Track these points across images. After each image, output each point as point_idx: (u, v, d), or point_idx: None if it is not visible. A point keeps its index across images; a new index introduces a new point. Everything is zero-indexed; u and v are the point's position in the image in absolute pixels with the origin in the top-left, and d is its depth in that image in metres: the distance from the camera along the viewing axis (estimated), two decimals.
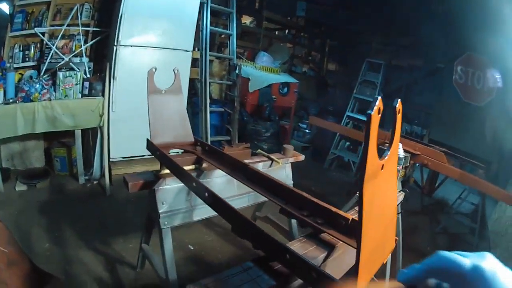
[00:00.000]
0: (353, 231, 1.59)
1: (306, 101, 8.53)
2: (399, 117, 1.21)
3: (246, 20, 8.82)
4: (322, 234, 1.84)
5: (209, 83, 5.38)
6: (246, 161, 2.64)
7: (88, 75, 4.71)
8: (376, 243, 1.28)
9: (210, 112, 5.39)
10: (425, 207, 5.74)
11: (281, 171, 3.16)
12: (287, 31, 9.50)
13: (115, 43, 4.43)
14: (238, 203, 2.68)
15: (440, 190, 6.04)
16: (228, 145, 2.74)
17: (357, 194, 2.55)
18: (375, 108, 1.00)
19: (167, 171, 2.15)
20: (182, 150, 2.42)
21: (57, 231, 3.61)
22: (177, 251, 3.47)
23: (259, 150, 3.08)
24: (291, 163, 3.24)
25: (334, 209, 1.68)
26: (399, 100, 1.11)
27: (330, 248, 1.82)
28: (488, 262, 0.66)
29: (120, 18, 4.37)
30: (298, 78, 7.63)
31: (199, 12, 5.11)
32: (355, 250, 1.62)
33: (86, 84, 4.56)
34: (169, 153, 2.19)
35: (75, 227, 3.72)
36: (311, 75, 9.33)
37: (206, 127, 5.32)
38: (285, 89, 7.02)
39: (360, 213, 1.08)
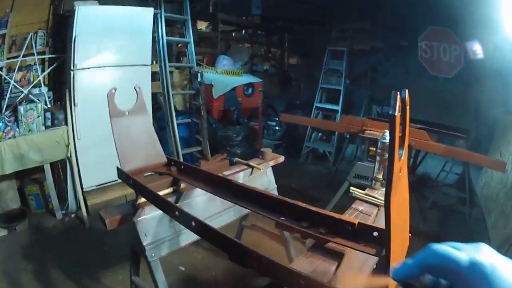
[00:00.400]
0: (360, 235, 1.48)
1: (271, 99, 8.41)
2: (407, 109, 1.07)
3: (202, 25, 8.60)
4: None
5: (172, 95, 5.14)
6: (226, 172, 2.51)
7: (49, 105, 4.48)
8: (398, 246, 1.21)
9: (177, 124, 5.16)
10: (409, 186, 5.67)
11: (263, 177, 3.03)
12: (244, 31, 9.32)
13: (72, 68, 4.19)
14: (224, 219, 2.52)
15: (421, 166, 6.01)
16: (203, 158, 2.55)
17: (351, 189, 2.42)
18: (397, 107, 0.85)
19: (144, 199, 1.93)
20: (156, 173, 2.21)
21: (45, 274, 3.44)
22: (169, 275, 3.26)
23: (236, 158, 2.94)
24: (272, 166, 3.11)
25: (337, 216, 1.56)
26: (407, 90, 1.00)
27: (338, 257, 1.67)
28: (486, 255, 0.58)
29: (74, 41, 4.13)
30: (260, 76, 7.50)
31: (154, 24, 4.89)
32: (364, 254, 1.48)
33: (48, 114, 4.34)
34: (143, 177, 2.00)
35: (62, 267, 3.54)
36: (273, 72, 9.20)
37: (175, 141, 5.08)
38: (250, 90, 6.86)
39: (388, 224, 0.97)
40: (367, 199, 2.33)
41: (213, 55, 7.37)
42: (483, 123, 6.29)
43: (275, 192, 3.14)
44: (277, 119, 8.08)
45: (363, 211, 2.20)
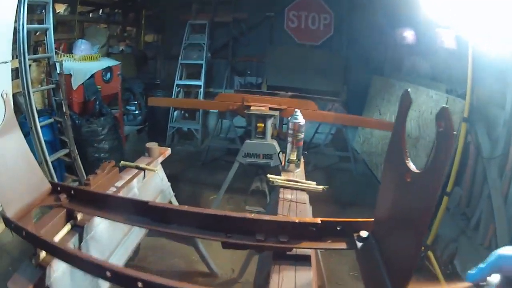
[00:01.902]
0: (325, 233, 1.40)
1: (129, 81, 7.70)
2: None
3: (59, 8, 7.40)
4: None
5: (33, 93, 4.28)
6: (118, 184, 2.10)
7: None
8: None
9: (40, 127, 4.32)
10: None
11: (156, 177, 2.66)
12: (101, 11, 8.32)
13: None
14: (134, 240, 2.13)
15: None
16: (92, 172, 2.04)
17: (270, 178, 2.18)
18: None
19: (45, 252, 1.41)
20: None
21: None
22: None
23: (122, 162, 2.48)
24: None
25: (297, 219, 1.39)
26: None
27: (306, 260, 1.47)
28: None
29: None
30: (117, 58, 6.78)
31: None
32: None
33: None
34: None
35: None
36: (129, 52, 8.44)
37: (42, 149, 4.18)
38: (108, 75, 6.12)
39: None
40: (293, 186, 2.16)
41: (69, 40, 6.43)
42: (353, 86, 6.57)
43: (170, 190, 2.83)
44: (136, 102, 7.49)
45: (295, 199, 2.03)
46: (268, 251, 1.44)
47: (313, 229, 1.37)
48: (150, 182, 2.53)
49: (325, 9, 6.59)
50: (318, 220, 1.37)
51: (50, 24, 4.60)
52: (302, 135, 2.44)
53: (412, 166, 1.05)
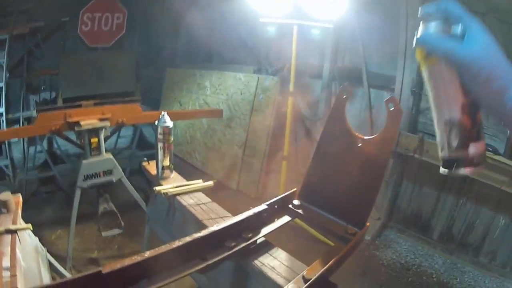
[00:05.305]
0: (269, 215, 1.49)
1: None
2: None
3: None
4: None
5: None
6: (5, 262, 1.57)
7: None
8: None
9: None
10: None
11: (25, 234, 2.06)
12: None
13: None
14: None
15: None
16: None
17: (159, 190, 2.07)
18: None
19: None
20: None
21: None
22: None
23: None
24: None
25: (252, 211, 1.42)
26: None
27: (271, 244, 1.54)
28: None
29: None
30: None
31: None
32: None
33: None
34: None
35: None
36: None
37: None
38: None
39: None
40: (188, 190, 2.11)
41: None
42: (145, 82, 6.63)
43: (40, 245, 2.27)
44: None
45: (199, 202, 1.98)
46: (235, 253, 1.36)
47: (265, 214, 1.45)
48: (25, 245, 2.00)
49: (119, 8, 6.24)
50: (265, 205, 1.45)
51: None
52: (172, 138, 2.32)
53: (360, 135, 1.43)
